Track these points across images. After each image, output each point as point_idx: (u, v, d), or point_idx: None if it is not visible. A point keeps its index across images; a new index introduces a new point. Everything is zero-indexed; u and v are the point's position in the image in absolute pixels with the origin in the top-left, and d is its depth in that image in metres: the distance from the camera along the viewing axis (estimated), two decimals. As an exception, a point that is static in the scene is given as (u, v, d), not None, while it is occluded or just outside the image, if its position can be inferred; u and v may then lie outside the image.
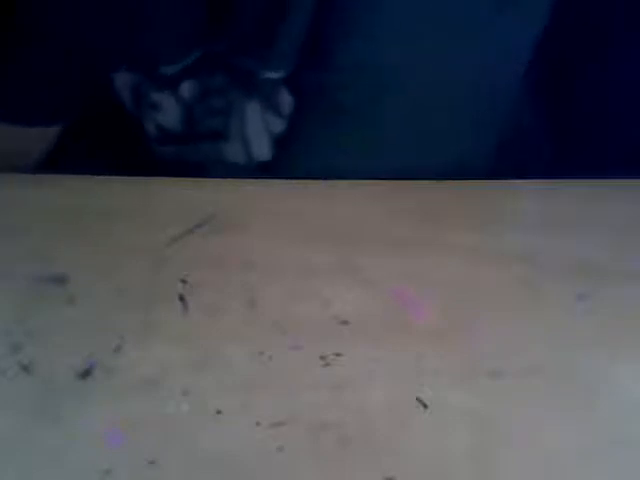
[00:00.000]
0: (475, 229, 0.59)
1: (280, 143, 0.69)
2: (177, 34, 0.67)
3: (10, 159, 0.65)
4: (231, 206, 0.60)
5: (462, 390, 0.48)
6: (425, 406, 0.47)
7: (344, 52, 0.65)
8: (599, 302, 0.53)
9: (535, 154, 0.76)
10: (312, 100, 0.67)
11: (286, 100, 0.68)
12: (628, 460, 0.45)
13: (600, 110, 0.75)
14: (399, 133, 0.66)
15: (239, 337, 0.50)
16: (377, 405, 0.47)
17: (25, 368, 0.48)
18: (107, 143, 0.72)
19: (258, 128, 0.68)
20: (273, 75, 0.67)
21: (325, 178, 0.62)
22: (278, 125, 0.68)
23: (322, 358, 0.49)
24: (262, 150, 0.69)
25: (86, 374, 0.48)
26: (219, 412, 0.46)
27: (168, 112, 0.69)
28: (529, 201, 0.63)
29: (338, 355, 0.49)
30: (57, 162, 0.68)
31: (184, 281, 0.54)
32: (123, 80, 0.69)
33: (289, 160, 0.69)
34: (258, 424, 0.45)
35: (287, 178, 0.63)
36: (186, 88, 0.68)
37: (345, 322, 0.52)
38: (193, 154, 0.71)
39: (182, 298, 0.53)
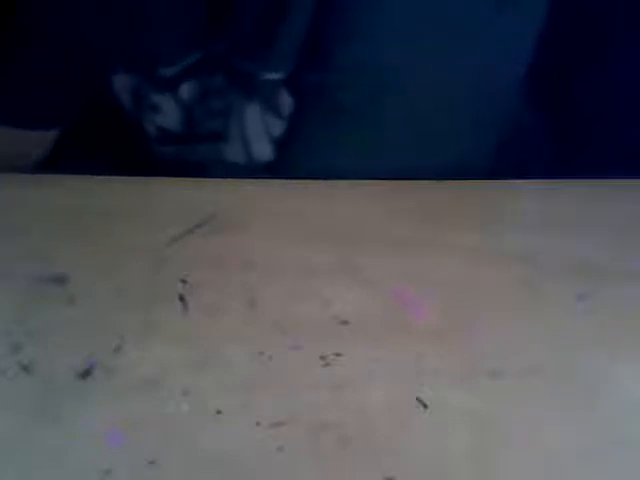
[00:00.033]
0: (475, 229, 0.59)
1: (280, 144, 0.69)
2: (177, 34, 0.67)
3: (9, 160, 0.65)
4: (231, 206, 0.60)
5: (462, 390, 0.48)
6: (425, 406, 0.47)
7: (344, 52, 0.65)
8: (599, 302, 0.53)
9: (535, 154, 0.76)
10: (312, 100, 0.67)
11: (286, 101, 0.68)
12: (628, 460, 0.45)
13: (600, 110, 0.75)
14: (399, 133, 0.66)
15: (239, 337, 0.50)
16: (377, 405, 0.47)
17: (25, 368, 0.48)
18: (106, 146, 0.72)
19: (258, 129, 0.68)
20: (273, 76, 0.67)
21: (325, 178, 0.62)
22: (278, 126, 0.68)
23: (322, 358, 0.49)
24: (263, 151, 0.69)
25: (86, 374, 0.48)
26: (219, 412, 0.46)
27: (168, 114, 0.69)
28: (529, 201, 0.63)
29: (338, 355, 0.49)
30: (56, 164, 0.68)
31: (184, 281, 0.54)
32: (122, 82, 0.69)
33: (290, 161, 0.69)
34: (258, 424, 0.45)
35: (287, 178, 0.63)
36: (186, 90, 0.68)
37: (345, 322, 0.52)
38: (193, 155, 0.71)
39: (182, 298, 0.53)
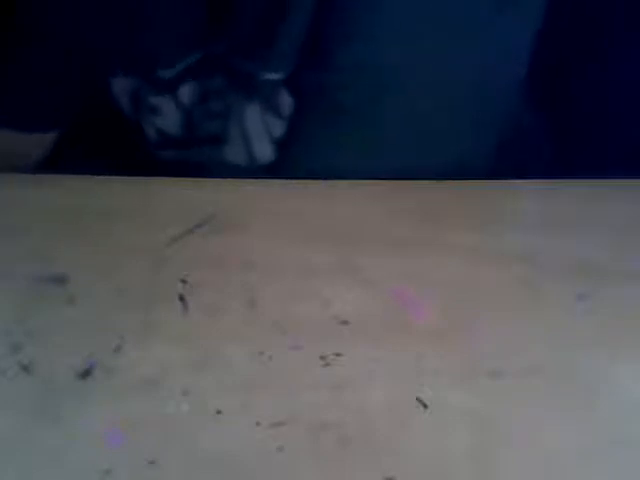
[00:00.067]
0: (475, 229, 0.59)
1: (281, 144, 0.69)
2: (177, 34, 0.67)
3: (9, 160, 0.65)
4: (231, 206, 0.60)
5: (462, 390, 0.48)
6: (425, 406, 0.47)
7: (344, 52, 0.65)
8: (599, 302, 0.53)
9: (535, 154, 0.76)
10: (312, 100, 0.67)
11: (286, 101, 0.68)
12: (628, 460, 0.45)
13: (600, 110, 0.75)
14: (399, 133, 0.66)
15: (239, 337, 0.50)
16: (377, 405, 0.47)
17: (25, 368, 0.48)
18: (105, 149, 0.72)
19: (259, 130, 0.68)
20: (273, 76, 0.67)
21: (325, 178, 0.62)
22: (279, 127, 0.68)
23: (322, 358, 0.49)
24: (264, 152, 0.69)
25: (86, 374, 0.48)
26: (219, 412, 0.46)
27: (168, 116, 0.69)
28: (529, 201, 0.63)
29: (338, 355, 0.49)
30: (56, 166, 0.68)
31: (184, 281, 0.54)
32: (121, 85, 0.69)
33: (290, 161, 0.69)
34: (258, 424, 0.45)
35: (288, 178, 0.63)
36: (185, 91, 0.68)
37: (345, 322, 0.52)
38: (194, 157, 0.71)
39: (182, 298, 0.53)
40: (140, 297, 0.53)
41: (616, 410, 0.47)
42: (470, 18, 0.64)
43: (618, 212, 0.61)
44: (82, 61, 0.65)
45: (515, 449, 0.45)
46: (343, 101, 0.66)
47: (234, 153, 0.69)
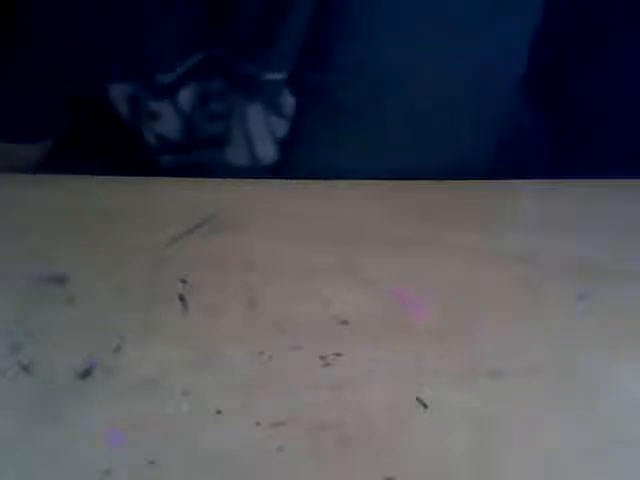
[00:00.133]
0: (475, 229, 0.59)
1: (284, 144, 0.69)
2: (177, 36, 0.67)
3: (8, 162, 0.65)
4: (231, 206, 0.60)
5: (462, 390, 0.48)
6: (425, 406, 0.47)
7: (344, 52, 0.65)
8: (599, 302, 0.53)
9: (535, 154, 0.76)
10: (313, 100, 0.67)
11: (288, 101, 0.68)
12: (628, 460, 0.45)
13: (600, 110, 0.75)
14: (399, 133, 0.66)
15: (239, 337, 0.50)
16: (377, 405, 0.47)
17: (25, 368, 0.48)
18: (104, 151, 0.72)
19: (262, 131, 0.68)
20: (275, 76, 0.67)
21: (326, 178, 0.62)
22: (281, 127, 0.68)
23: (322, 358, 0.49)
24: (267, 152, 0.69)
25: (86, 374, 0.48)
26: (219, 412, 0.46)
27: (167, 121, 0.69)
28: (529, 201, 0.63)
29: (338, 355, 0.49)
30: (55, 167, 0.68)
31: (184, 281, 0.54)
32: (119, 91, 0.69)
33: (292, 161, 0.69)
34: (258, 424, 0.45)
35: (289, 178, 0.63)
36: (185, 95, 0.68)
37: (345, 322, 0.52)
38: (195, 161, 0.71)
39: (182, 298, 0.53)
40: (140, 297, 0.53)
41: (616, 410, 0.47)
42: (470, 18, 0.64)
43: (618, 212, 0.61)
44: (82, 62, 0.65)
45: (515, 449, 0.45)
46: (343, 101, 0.66)
47: (236, 154, 0.69)
